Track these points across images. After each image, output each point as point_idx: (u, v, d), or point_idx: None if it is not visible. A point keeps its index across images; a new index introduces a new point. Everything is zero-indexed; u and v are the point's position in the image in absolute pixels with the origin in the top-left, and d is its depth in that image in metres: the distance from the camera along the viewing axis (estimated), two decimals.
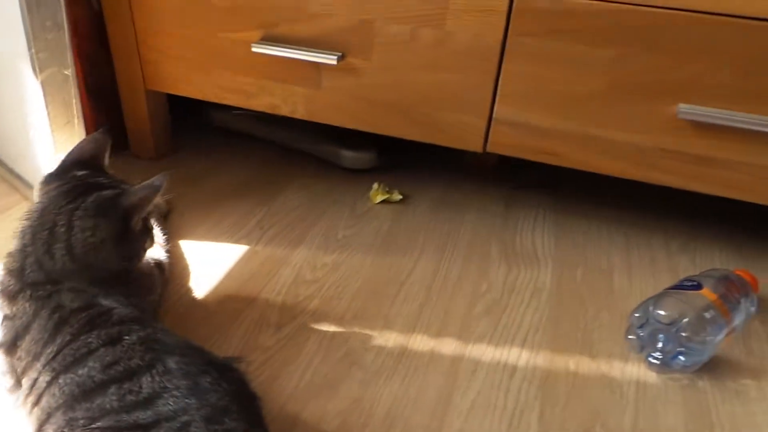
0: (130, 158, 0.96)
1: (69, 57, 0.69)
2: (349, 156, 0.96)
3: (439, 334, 0.66)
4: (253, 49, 0.77)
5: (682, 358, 0.59)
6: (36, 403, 0.47)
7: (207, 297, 0.69)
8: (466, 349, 0.64)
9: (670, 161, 0.70)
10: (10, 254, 0.55)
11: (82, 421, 0.44)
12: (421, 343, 0.65)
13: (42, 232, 0.54)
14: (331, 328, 0.66)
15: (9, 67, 0.69)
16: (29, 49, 0.64)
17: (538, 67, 0.69)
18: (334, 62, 0.75)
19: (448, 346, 0.65)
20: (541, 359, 0.64)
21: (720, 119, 0.65)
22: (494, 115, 0.74)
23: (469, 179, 0.97)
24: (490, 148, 0.77)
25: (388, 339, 0.65)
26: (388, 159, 0.98)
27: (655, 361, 0.61)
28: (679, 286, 0.64)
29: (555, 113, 0.72)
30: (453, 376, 0.61)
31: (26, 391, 0.49)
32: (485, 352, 0.64)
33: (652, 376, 0.62)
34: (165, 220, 0.81)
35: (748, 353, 0.66)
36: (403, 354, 0.63)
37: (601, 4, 0.64)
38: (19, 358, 0.51)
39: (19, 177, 0.81)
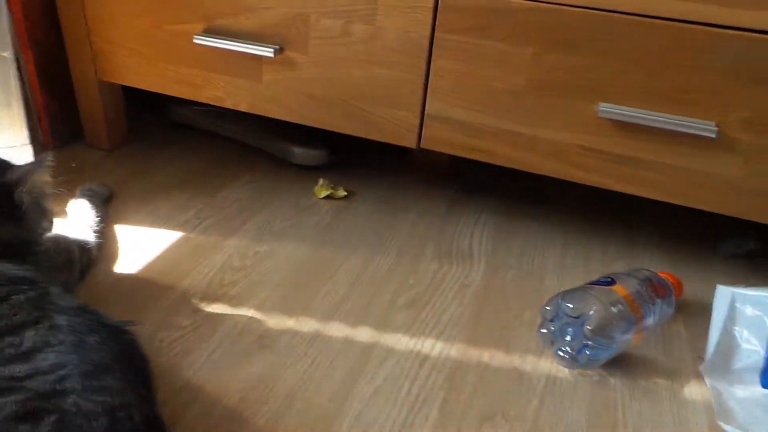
0: (85, 147, 0.97)
1: (10, 40, 0.70)
2: (299, 153, 0.97)
3: (356, 323, 0.66)
4: (195, 41, 0.78)
5: (587, 352, 0.59)
6: None
7: (132, 278, 0.70)
8: (381, 338, 0.64)
9: (591, 160, 0.71)
10: None
11: None
12: (336, 330, 0.65)
13: None
14: (249, 312, 0.66)
15: None
16: None
17: (464, 63, 0.71)
18: (272, 55, 0.76)
19: (363, 335, 0.65)
20: (455, 351, 0.64)
21: (638, 119, 0.66)
22: (426, 111, 0.75)
23: (416, 180, 0.98)
24: (423, 144, 0.78)
25: (304, 325, 0.65)
26: (338, 157, 0.99)
27: (563, 355, 0.61)
28: (593, 282, 0.64)
29: (482, 110, 0.73)
30: (362, 363, 0.61)
31: None
32: (399, 342, 0.64)
33: (563, 372, 0.62)
34: (104, 205, 0.81)
35: (666, 354, 0.66)
36: (316, 339, 0.63)
37: (519, 2, 0.65)
38: None
39: None
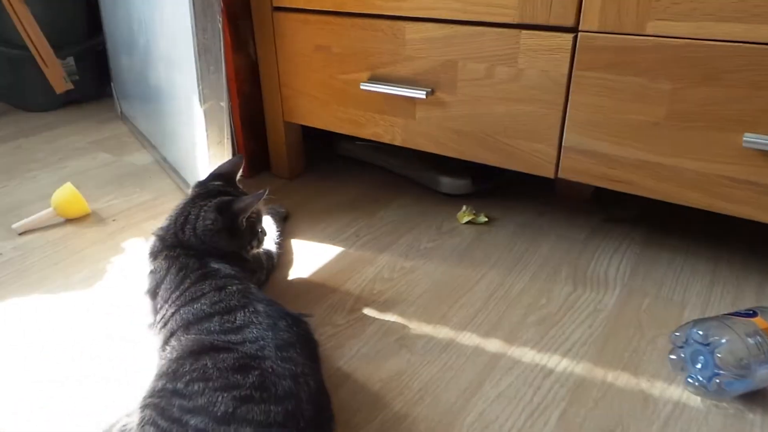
0: (271, 176, 1.19)
1: (224, 93, 0.92)
2: (446, 182, 1.07)
3: (487, 335, 0.73)
4: (362, 87, 0.93)
5: (718, 381, 0.58)
6: (164, 326, 0.65)
7: (301, 282, 0.85)
8: (509, 350, 0.70)
9: (740, 191, 0.70)
10: (160, 227, 0.76)
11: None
12: (468, 339, 0.72)
13: (181, 216, 0.75)
14: (394, 317, 0.76)
15: (185, 98, 0.95)
16: (198, 86, 0.88)
17: (601, 98, 0.75)
18: (424, 96, 0.88)
19: (492, 345, 0.71)
20: (580, 368, 0.67)
21: None
22: (564, 143, 0.80)
23: (558, 209, 1.01)
24: (561, 174, 0.83)
25: (439, 332, 0.73)
26: (482, 186, 1.07)
27: (692, 381, 0.61)
28: (733, 313, 0.63)
29: (620, 141, 0.75)
30: (489, 369, 0.67)
31: (158, 321, 0.68)
32: (526, 355, 0.69)
33: (695, 400, 0.62)
34: (283, 222, 0.99)
35: None
36: (449, 345, 0.71)
37: (654, 39, 0.68)
38: (157, 301, 0.70)
39: (185, 181, 1.07)
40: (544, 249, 0.90)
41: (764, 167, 0.67)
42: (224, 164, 0.84)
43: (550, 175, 0.84)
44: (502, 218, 0.99)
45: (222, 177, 0.81)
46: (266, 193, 0.75)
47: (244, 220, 0.75)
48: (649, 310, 0.76)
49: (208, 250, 0.73)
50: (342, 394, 0.64)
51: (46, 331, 0.75)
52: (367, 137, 1.01)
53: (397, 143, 0.97)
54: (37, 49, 1.50)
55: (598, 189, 0.83)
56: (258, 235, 0.79)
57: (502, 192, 1.07)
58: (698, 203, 0.74)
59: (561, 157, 0.82)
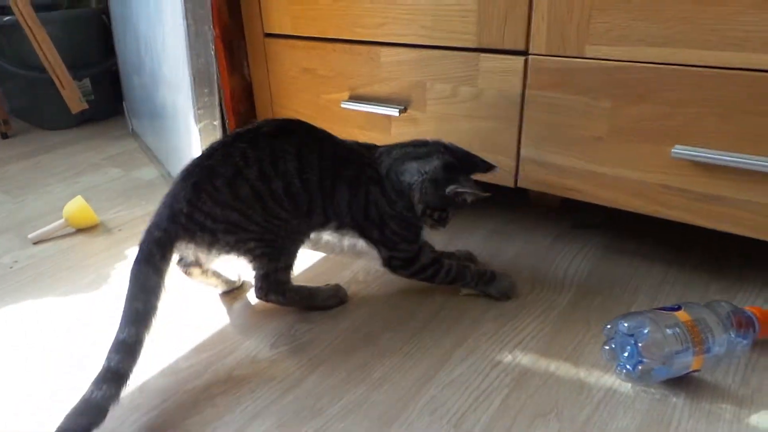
0: None
1: (217, 113, 1.01)
2: None
3: (448, 329, 0.80)
4: (342, 106, 1.02)
5: (640, 368, 0.65)
6: None
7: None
8: (465, 342, 0.77)
9: (674, 198, 0.76)
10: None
11: None
12: (430, 333, 0.79)
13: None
14: (364, 316, 0.84)
15: (183, 117, 1.05)
16: (193, 106, 0.98)
17: (551, 115, 0.82)
18: (397, 114, 0.96)
19: (451, 338, 0.78)
20: (527, 359, 0.74)
21: (710, 159, 0.70)
22: (521, 156, 0.88)
23: (528, 217, 1.08)
24: (520, 184, 0.90)
25: (405, 328, 0.81)
26: None
27: (621, 369, 0.67)
28: (660, 308, 0.69)
29: (569, 154, 0.83)
30: (446, 359, 0.74)
31: None
32: (480, 347, 0.76)
33: (625, 387, 0.68)
34: None
35: (743, 384, 0.68)
36: (411, 339, 0.78)
37: (593, 62, 0.76)
38: None
39: None
40: (509, 253, 0.98)
41: (692, 176, 0.74)
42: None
43: (511, 184, 0.91)
44: (472, 226, 1.07)
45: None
46: (487, 195, 0.78)
47: (453, 194, 0.78)
48: (599, 308, 0.83)
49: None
50: (311, 381, 0.72)
51: (56, 330, 0.84)
52: None
53: None
54: (55, 72, 1.63)
55: (566, 198, 0.90)
56: (439, 220, 0.81)
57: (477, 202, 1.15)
58: (642, 209, 0.81)
59: (519, 169, 0.89)
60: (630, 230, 1.01)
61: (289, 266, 0.83)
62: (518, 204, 1.13)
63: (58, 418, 0.61)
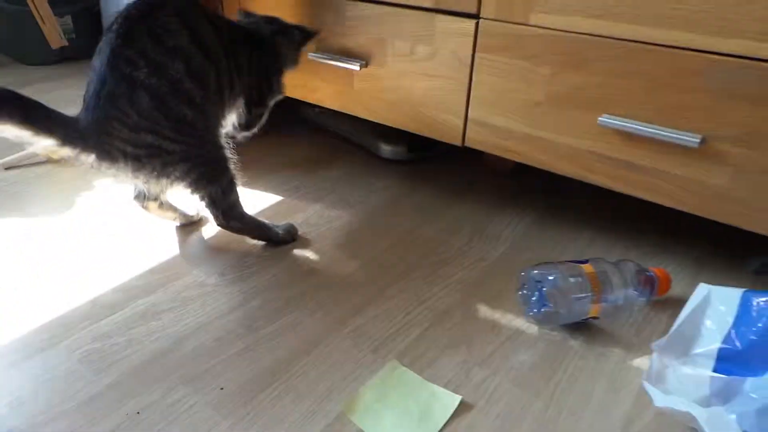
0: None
1: None
2: (385, 148, 1.20)
3: (385, 270, 0.86)
4: (309, 56, 1.06)
5: (544, 311, 0.72)
6: None
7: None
8: (399, 282, 0.84)
9: (599, 164, 0.82)
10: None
11: None
12: (368, 272, 0.86)
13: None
14: (311, 253, 0.90)
15: None
16: None
17: (496, 78, 0.87)
18: (358, 68, 1.00)
19: (386, 278, 0.85)
20: (450, 300, 0.81)
21: (631, 129, 0.76)
22: (468, 116, 0.93)
23: (481, 179, 1.14)
24: (467, 143, 0.96)
25: (345, 266, 0.87)
26: (418, 154, 1.20)
27: (529, 313, 0.74)
28: (571, 261, 0.76)
29: (511, 117, 0.88)
30: (377, 294, 0.81)
31: None
32: (411, 287, 0.83)
33: (532, 329, 0.75)
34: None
35: (636, 334, 0.75)
36: (351, 275, 0.85)
37: (536, 29, 0.81)
38: None
39: None
40: (457, 210, 1.04)
41: (616, 144, 0.80)
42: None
43: (458, 143, 0.97)
44: (427, 184, 1.13)
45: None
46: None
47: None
48: (526, 262, 0.89)
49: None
50: (251, 305, 0.79)
51: (25, 244, 0.90)
52: (314, 102, 1.14)
53: (336, 108, 1.10)
54: (35, 6, 1.63)
55: (518, 163, 0.96)
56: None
57: (434, 159, 1.20)
58: (572, 174, 0.87)
59: (467, 129, 0.94)
60: (569, 195, 1.08)
61: (232, 188, 0.86)
62: (473, 167, 1.19)
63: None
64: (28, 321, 0.74)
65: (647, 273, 0.77)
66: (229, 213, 0.87)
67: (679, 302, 0.76)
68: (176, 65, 0.73)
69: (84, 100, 0.75)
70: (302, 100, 1.16)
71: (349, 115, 1.11)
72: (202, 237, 0.94)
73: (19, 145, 1.15)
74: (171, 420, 0.61)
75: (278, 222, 0.94)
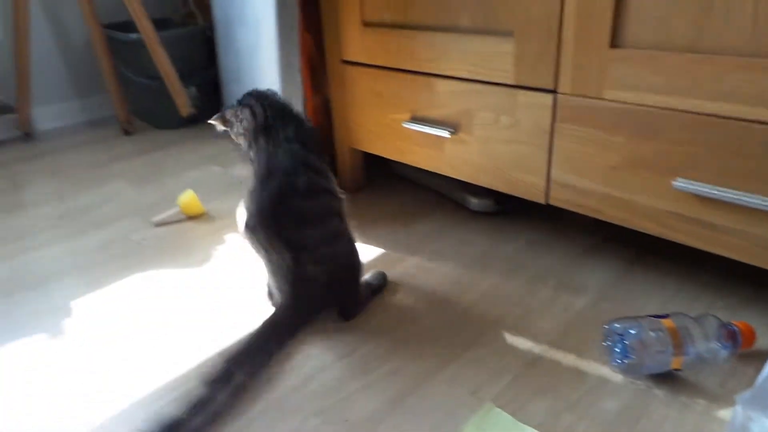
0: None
1: None
2: (474, 201, 1.32)
3: (479, 321, 0.97)
4: (403, 125, 1.21)
5: (627, 362, 0.79)
6: None
7: None
8: (491, 330, 0.94)
9: (679, 223, 0.89)
10: None
11: None
12: (465, 321, 0.97)
13: None
14: (411, 300, 1.03)
15: None
16: None
17: (575, 144, 0.96)
18: (448, 135, 1.13)
19: (479, 327, 0.95)
20: (539, 349, 0.89)
21: (705, 192, 0.83)
22: (551, 177, 1.03)
23: (562, 230, 1.22)
24: (550, 202, 1.05)
25: (445, 312, 0.99)
26: (504, 206, 1.30)
27: (614, 363, 0.82)
28: (651, 315, 0.83)
29: (589, 178, 0.97)
30: (471, 342, 0.92)
31: None
32: (502, 335, 0.93)
33: (617, 378, 0.82)
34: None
35: (720, 386, 0.80)
36: (450, 321, 0.96)
37: (610, 104, 0.89)
38: None
39: None
40: (542, 261, 1.12)
41: (691, 204, 0.86)
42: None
43: (542, 201, 1.06)
44: (514, 235, 1.22)
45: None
46: None
47: None
48: (611, 311, 0.96)
49: None
50: (363, 351, 0.92)
51: (175, 292, 1.10)
52: (409, 163, 1.28)
53: (429, 169, 1.24)
54: (169, 80, 1.93)
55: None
56: None
57: (522, 212, 1.30)
58: (653, 231, 0.93)
59: (549, 188, 1.04)
60: (652, 247, 1.13)
61: None
62: (555, 217, 1.27)
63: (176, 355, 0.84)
64: (201, 353, 0.92)
65: (730, 327, 0.82)
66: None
67: (765, 355, 0.81)
68: None
69: None
70: (398, 160, 1.30)
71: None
72: None
73: (166, 205, 1.39)
74: None
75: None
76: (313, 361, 0.90)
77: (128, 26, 1.95)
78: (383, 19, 1.18)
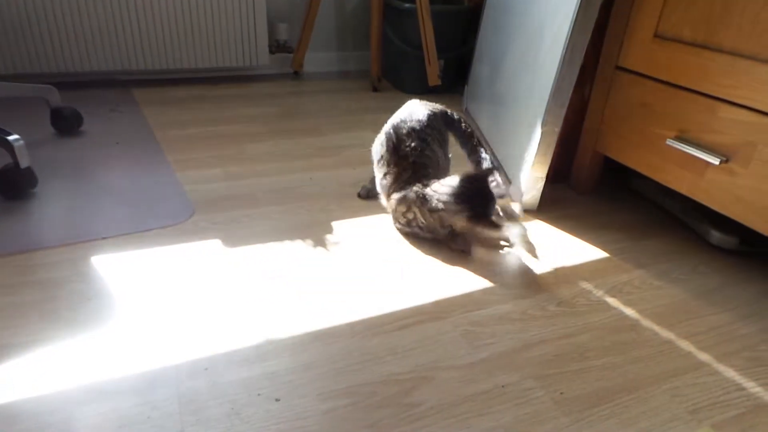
0: (565, 187, 1.53)
1: (560, 122, 1.28)
2: (716, 235, 1.27)
3: (709, 346, 0.96)
4: (667, 142, 1.20)
5: None
6: None
7: (567, 267, 1.18)
8: (722, 362, 0.93)
9: None
10: None
11: None
12: (685, 343, 0.97)
13: None
14: (630, 311, 1.05)
15: (532, 117, 1.35)
16: (545, 112, 1.27)
17: None
18: (717, 163, 1.10)
19: (707, 354, 0.94)
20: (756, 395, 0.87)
21: None
22: None
23: None
24: None
25: (657, 336, 1.00)
26: (749, 248, 1.23)
27: None
28: None
29: None
30: (695, 366, 0.92)
31: None
32: (735, 370, 0.91)
33: None
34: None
35: None
36: (672, 338, 0.97)
37: None
38: None
39: (506, 176, 1.48)
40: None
41: None
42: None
43: None
44: (755, 280, 1.16)
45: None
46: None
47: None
48: None
49: None
50: (581, 338, 0.97)
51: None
52: (659, 180, 1.27)
53: (683, 192, 1.22)
54: (428, 50, 2.10)
55: None
56: None
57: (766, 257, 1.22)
58: None
59: None
60: None
61: None
62: None
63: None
64: (409, 297, 1.06)
65: None
66: None
67: None
68: None
69: None
70: (646, 175, 1.30)
71: (682, 195, 1.21)
72: (533, 271, 1.17)
73: None
74: (523, 401, 0.84)
75: None
76: (533, 330, 0.98)
77: None
78: (681, 35, 1.17)
